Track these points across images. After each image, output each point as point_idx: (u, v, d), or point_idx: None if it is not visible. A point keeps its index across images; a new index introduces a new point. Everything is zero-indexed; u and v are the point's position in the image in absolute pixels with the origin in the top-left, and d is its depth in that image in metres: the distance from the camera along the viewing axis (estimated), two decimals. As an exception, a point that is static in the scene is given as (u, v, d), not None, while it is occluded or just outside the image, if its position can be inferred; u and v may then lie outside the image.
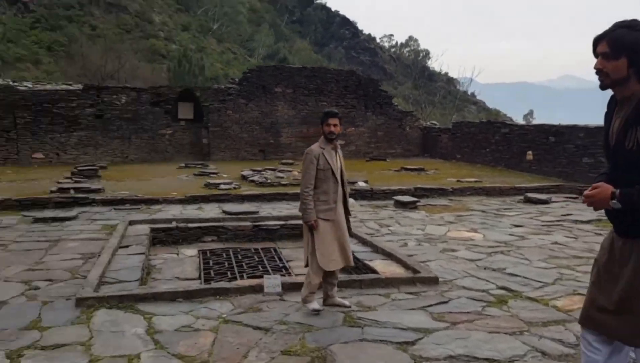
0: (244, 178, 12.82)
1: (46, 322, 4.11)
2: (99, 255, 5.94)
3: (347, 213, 4.54)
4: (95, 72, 32.35)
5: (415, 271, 5.30)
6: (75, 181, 11.55)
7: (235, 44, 56.40)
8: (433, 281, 5.09)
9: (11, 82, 17.82)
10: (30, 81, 20.63)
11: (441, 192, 11.10)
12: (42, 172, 14.40)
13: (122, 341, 3.79)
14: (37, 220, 8.09)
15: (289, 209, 9.32)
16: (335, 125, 4.43)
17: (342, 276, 4.83)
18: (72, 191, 10.03)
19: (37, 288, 4.95)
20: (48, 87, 17.89)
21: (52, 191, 10.08)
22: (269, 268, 6.32)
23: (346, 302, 4.50)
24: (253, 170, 13.72)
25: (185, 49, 40.64)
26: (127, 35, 43.28)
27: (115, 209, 9.21)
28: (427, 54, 70.42)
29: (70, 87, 17.92)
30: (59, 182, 11.34)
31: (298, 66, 21.14)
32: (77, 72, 32.45)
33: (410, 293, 4.83)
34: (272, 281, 4.76)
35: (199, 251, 7.10)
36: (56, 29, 40.39)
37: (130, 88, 18.63)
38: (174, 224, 7.75)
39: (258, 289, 4.77)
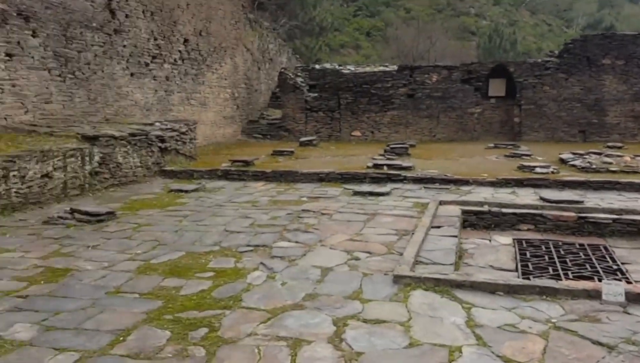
0: (563, 161, 11.54)
1: (366, 294, 4.21)
2: (413, 233, 5.95)
3: None
4: (407, 54, 33.81)
5: None
6: (388, 158, 12.12)
7: (550, 15, 51.96)
8: None
9: (337, 67, 19.79)
10: (352, 65, 22.62)
11: None
12: (359, 148, 15.62)
13: (440, 328, 3.60)
14: (356, 193, 8.67)
15: (622, 201, 7.94)
16: None
17: None
18: (385, 168, 10.51)
19: (357, 259, 5.17)
20: (367, 69, 19.31)
21: (368, 167, 10.75)
22: (600, 270, 5.40)
23: None
24: (573, 153, 12.25)
25: (496, 24, 39.24)
26: (439, 15, 43.97)
27: (425, 187, 9.27)
28: None
29: (387, 69, 18.97)
30: (373, 158, 12.07)
31: (633, 33, 18.03)
32: (391, 55, 34.48)
33: None
34: (613, 288, 3.95)
35: (513, 239, 6.55)
36: (374, 15, 43.63)
37: (442, 66, 18.72)
38: (486, 208, 7.34)
39: (594, 294, 4.02)
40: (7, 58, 9.16)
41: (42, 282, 4.49)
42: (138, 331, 3.54)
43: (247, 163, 11.20)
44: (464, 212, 7.22)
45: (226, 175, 10.47)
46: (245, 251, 5.44)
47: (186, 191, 8.94)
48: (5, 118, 9.13)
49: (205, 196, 8.70)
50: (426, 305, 3.99)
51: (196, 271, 4.81)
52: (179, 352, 3.24)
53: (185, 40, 14.99)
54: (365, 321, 3.70)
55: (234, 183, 10.06)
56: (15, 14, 9.27)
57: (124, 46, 12.28)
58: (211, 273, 4.74)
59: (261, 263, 5.04)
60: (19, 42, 9.37)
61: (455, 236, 6.02)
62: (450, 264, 5.05)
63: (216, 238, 5.96)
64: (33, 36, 9.69)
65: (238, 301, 4.07)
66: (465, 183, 9.45)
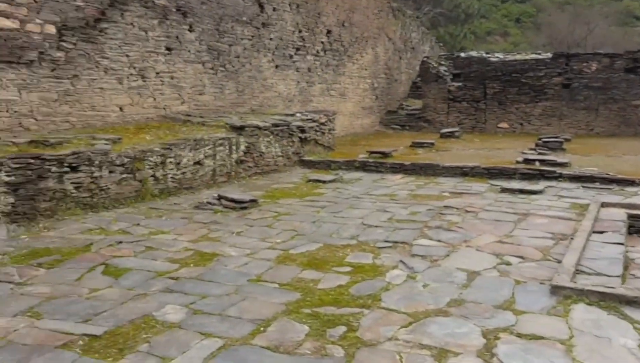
0: None
1: (520, 305, 3.81)
2: (571, 238, 5.35)
3: None
4: (561, 41, 31.20)
5: None
6: (540, 153, 11.19)
7: None
8: None
9: (484, 54, 18.76)
10: (500, 52, 21.34)
11: None
12: (506, 141, 14.66)
13: (608, 350, 3.12)
14: (504, 190, 8.08)
15: None
16: None
17: None
18: (537, 163, 9.69)
19: (508, 263, 4.74)
20: (518, 57, 18.04)
21: (517, 162, 9.99)
22: None
23: None
24: None
25: (668, 5, 34.79)
26: (597, -1, 40.05)
27: (583, 186, 8.38)
28: None
29: (539, 56, 17.57)
30: (523, 153, 11.21)
31: None
32: (542, 42, 32.11)
33: None
34: None
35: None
36: (525, 1, 40.92)
37: (603, 54, 16.88)
38: (658, 212, 6.41)
39: None
40: (167, 52, 9.88)
41: (191, 265, 4.70)
42: (277, 322, 3.51)
43: (384, 155, 10.99)
44: (630, 216, 6.39)
45: (363, 166, 10.38)
46: (384, 247, 5.26)
47: (324, 182, 8.99)
48: (164, 108, 9.88)
49: (342, 187, 8.67)
50: (590, 322, 3.50)
51: (333, 264, 4.73)
52: (318, 350, 3.15)
53: (328, 32, 15.13)
54: (519, 335, 3.33)
55: (371, 174, 9.92)
56: (174, 10, 9.95)
57: (271, 39, 12.69)
58: (349, 268, 4.62)
59: (401, 261, 4.82)
60: (177, 37, 10.06)
61: (622, 244, 5.32)
62: (617, 276, 4.44)
63: (353, 231, 5.85)
64: (189, 31, 10.34)
65: (377, 300, 3.90)
66: (631, 183, 8.40)
